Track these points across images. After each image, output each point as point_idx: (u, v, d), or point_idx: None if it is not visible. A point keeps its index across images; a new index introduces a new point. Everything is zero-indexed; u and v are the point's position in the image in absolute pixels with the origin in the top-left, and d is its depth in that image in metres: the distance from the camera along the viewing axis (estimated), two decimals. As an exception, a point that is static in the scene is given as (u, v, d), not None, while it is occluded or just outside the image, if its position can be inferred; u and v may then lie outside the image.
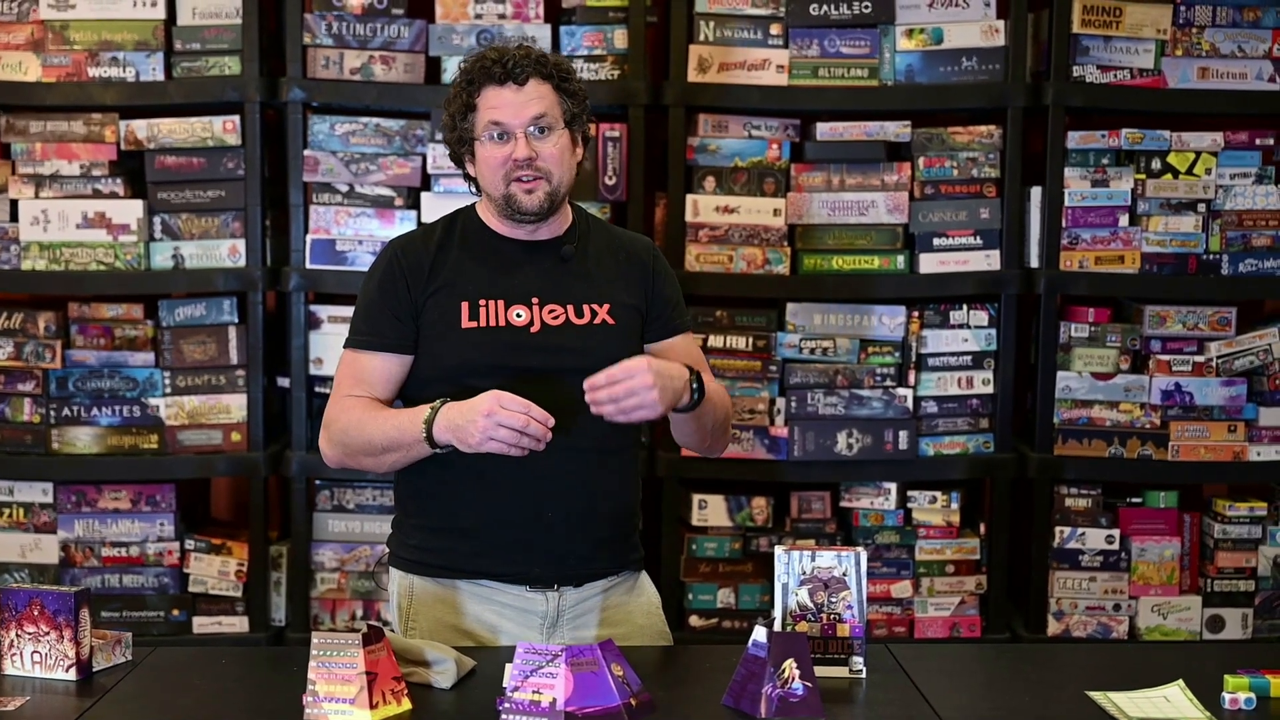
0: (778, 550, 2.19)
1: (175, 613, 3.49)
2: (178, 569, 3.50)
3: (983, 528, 3.54)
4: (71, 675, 2.14)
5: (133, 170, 3.49)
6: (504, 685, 1.99)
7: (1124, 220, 3.46)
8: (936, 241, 3.48)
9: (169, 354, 3.47)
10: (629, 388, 2.22)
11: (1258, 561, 3.49)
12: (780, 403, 3.48)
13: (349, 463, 2.44)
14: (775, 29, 3.46)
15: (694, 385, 2.32)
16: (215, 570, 3.50)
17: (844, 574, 2.18)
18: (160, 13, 3.42)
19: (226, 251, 3.46)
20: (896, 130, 3.47)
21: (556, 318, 2.41)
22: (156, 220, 3.46)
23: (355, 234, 3.45)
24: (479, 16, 3.44)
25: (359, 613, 3.52)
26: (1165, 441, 3.47)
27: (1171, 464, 3.47)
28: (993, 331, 3.49)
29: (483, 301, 2.41)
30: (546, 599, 2.42)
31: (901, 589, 3.50)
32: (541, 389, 2.32)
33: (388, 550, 2.55)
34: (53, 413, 3.46)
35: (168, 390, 3.47)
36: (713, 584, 3.51)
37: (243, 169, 3.44)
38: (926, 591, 3.51)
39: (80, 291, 3.47)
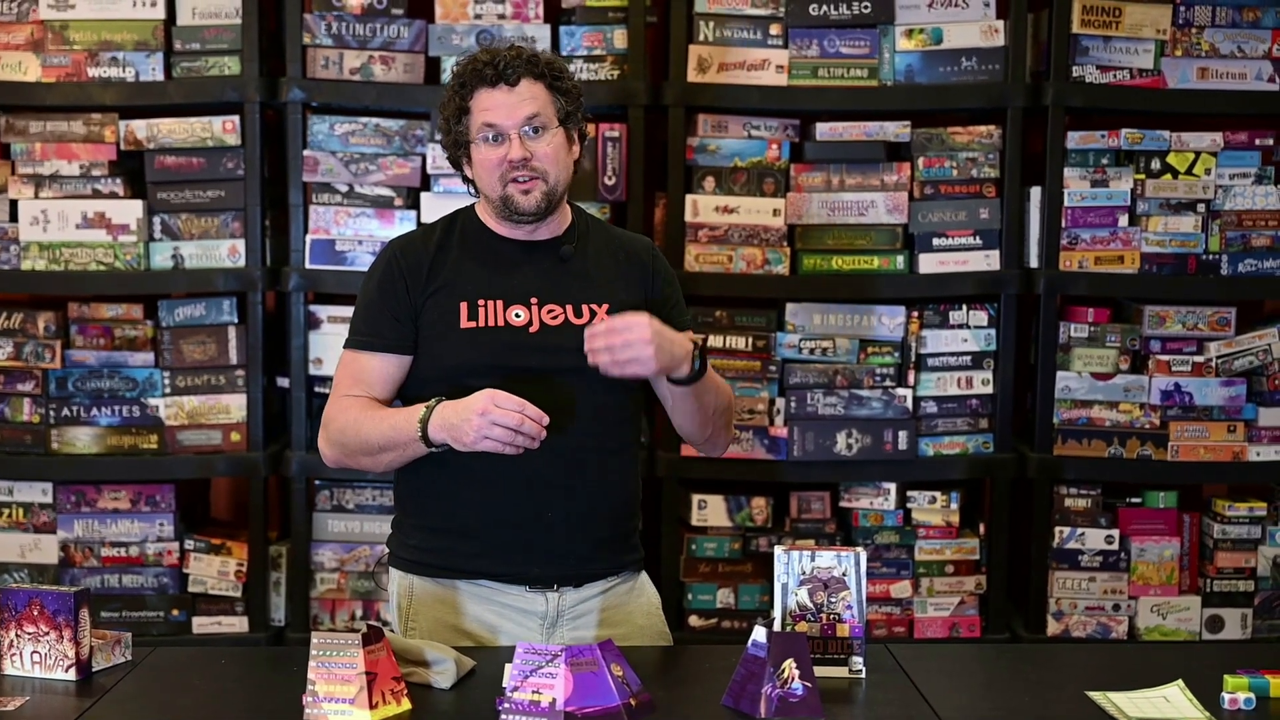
0: (777, 550, 2.19)
1: (175, 613, 3.49)
2: (177, 569, 3.50)
3: (982, 528, 3.54)
4: (71, 675, 2.14)
5: (132, 170, 3.49)
6: (504, 685, 1.99)
7: (1123, 220, 3.46)
8: (936, 241, 3.48)
9: (169, 354, 3.47)
10: (626, 339, 2.22)
11: (1257, 562, 3.50)
12: (780, 403, 3.48)
13: (347, 462, 2.44)
14: (775, 29, 3.46)
15: (696, 357, 2.31)
16: (215, 570, 3.50)
17: (843, 574, 2.18)
18: (160, 13, 3.42)
19: (226, 251, 3.46)
20: (896, 130, 3.47)
21: (555, 318, 2.41)
22: (156, 220, 3.46)
23: (355, 234, 3.45)
24: (478, 17, 3.44)
25: (358, 613, 3.52)
26: (1165, 442, 3.47)
27: (1171, 464, 3.47)
28: (992, 332, 3.49)
29: (481, 301, 2.41)
30: (546, 599, 2.42)
31: (901, 589, 3.50)
32: (540, 389, 2.32)
33: (387, 550, 2.55)
34: (52, 413, 3.46)
35: (167, 390, 3.47)
36: (712, 584, 3.51)
37: (242, 169, 3.44)
38: (926, 591, 3.51)
39: (80, 291, 3.47)
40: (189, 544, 3.50)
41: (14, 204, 3.45)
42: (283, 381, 3.56)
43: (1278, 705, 2.08)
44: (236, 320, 3.48)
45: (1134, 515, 3.51)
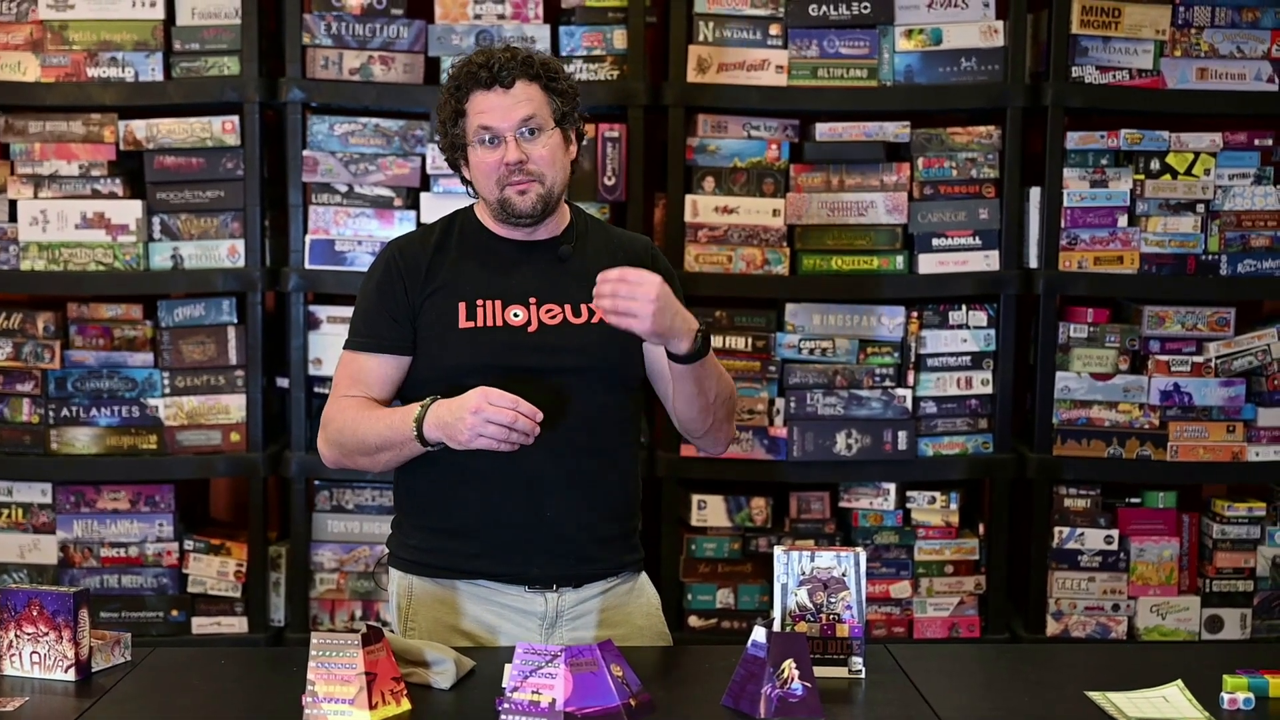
0: (777, 550, 2.19)
1: (174, 613, 3.49)
2: (177, 569, 3.49)
3: (982, 528, 3.54)
4: (70, 676, 2.14)
5: (132, 170, 3.49)
6: (503, 685, 1.99)
7: (1123, 221, 3.46)
8: (935, 242, 3.48)
9: (168, 354, 3.47)
10: (631, 290, 2.20)
11: (1256, 562, 3.50)
12: (779, 403, 3.48)
13: (346, 463, 2.44)
14: (774, 29, 3.46)
15: (699, 336, 2.29)
16: (214, 571, 3.50)
17: (843, 574, 2.18)
18: (159, 13, 3.42)
19: (226, 252, 3.46)
20: (895, 131, 3.47)
21: (554, 317, 2.41)
22: (155, 220, 3.46)
23: (354, 234, 3.45)
24: (478, 17, 3.44)
25: (358, 613, 3.52)
26: (1164, 442, 3.47)
27: (1170, 464, 3.47)
28: (992, 332, 3.49)
29: (480, 302, 2.41)
30: (545, 600, 2.42)
31: (900, 589, 3.50)
32: (539, 389, 2.32)
33: (387, 551, 2.55)
34: (51, 413, 3.46)
35: (167, 390, 3.47)
36: (712, 584, 3.51)
37: (242, 169, 3.44)
38: (925, 592, 3.51)
39: (79, 292, 3.47)
40: (188, 544, 3.50)
41: (13, 204, 3.45)
42: (282, 382, 3.56)
43: (1277, 705, 2.08)
44: (236, 320, 3.48)
45: (1133, 515, 3.51)
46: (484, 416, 2.20)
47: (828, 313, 3.49)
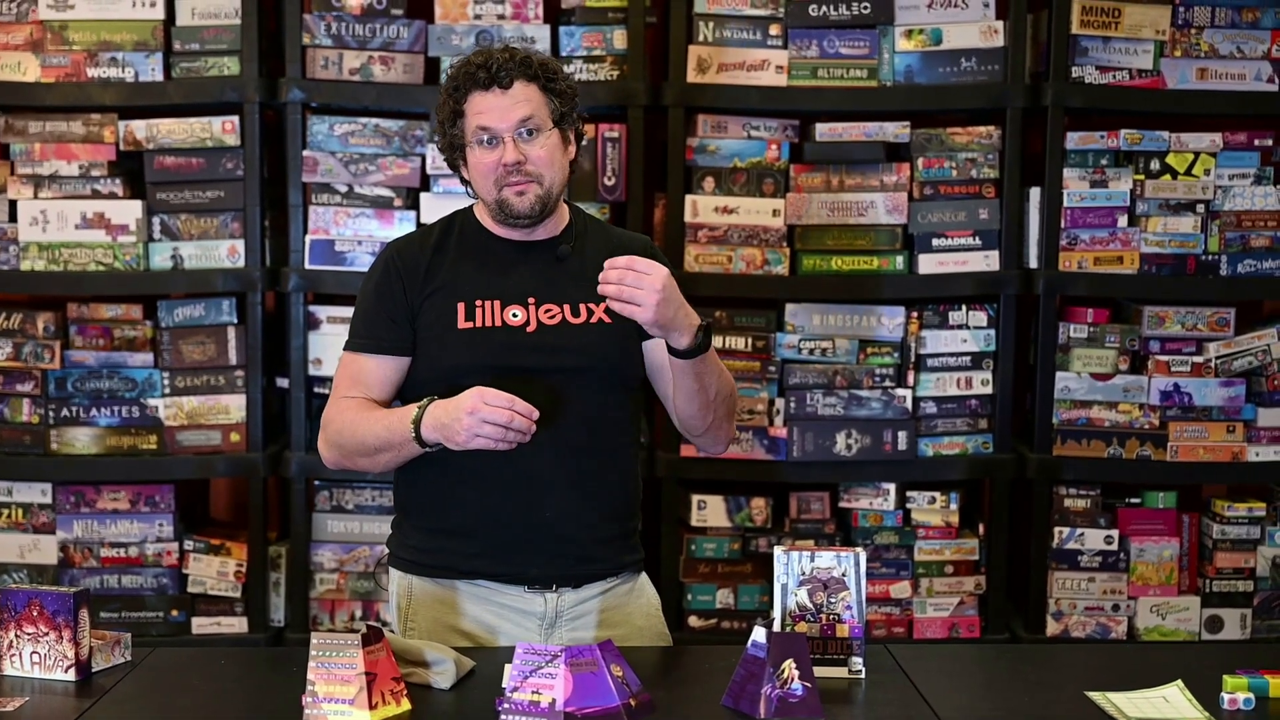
0: (777, 551, 2.19)
1: (174, 613, 3.49)
2: (177, 569, 3.50)
3: (981, 528, 3.54)
4: (71, 676, 2.14)
5: (132, 171, 3.49)
6: (503, 686, 1.99)
7: (1123, 221, 3.46)
8: (935, 242, 3.48)
9: (168, 354, 3.47)
10: (638, 279, 2.20)
11: (1256, 562, 3.50)
12: (779, 403, 3.48)
13: (346, 464, 2.45)
14: (774, 30, 3.46)
15: (700, 331, 2.29)
16: (214, 571, 3.50)
17: (843, 574, 2.18)
18: (159, 13, 3.42)
19: (225, 252, 3.46)
20: (895, 131, 3.47)
21: (553, 317, 2.41)
22: (155, 221, 3.46)
23: (354, 234, 3.45)
24: (478, 17, 3.44)
25: (358, 613, 3.52)
26: (1164, 442, 3.47)
27: (1170, 464, 3.47)
28: (992, 332, 3.49)
29: (479, 302, 2.41)
30: (545, 600, 2.42)
31: (900, 589, 3.50)
32: (538, 389, 2.32)
33: (387, 551, 2.55)
34: (51, 413, 3.46)
35: (167, 391, 3.47)
36: (712, 584, 3.51)
37: (242, 169, 3.44)
38: (925, 592, 3.51)
39: (79, 292, 3.47)
40: (188, 544, 3.50)
41: (13, 204, 3.45)
42: (282, 382, 3.56)
43: (1277, 705, 2.08)
44: (236, 321, 3.48)
45: (1133, 515, 3.51)
46: (480, 417, 2.20)
47: (828, 313, 3.49)
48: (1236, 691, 2.08)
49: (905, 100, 3.47)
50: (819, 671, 2.06)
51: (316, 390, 3.47)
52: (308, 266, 3.44)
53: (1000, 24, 3.45)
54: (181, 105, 3.45)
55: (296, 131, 3.43)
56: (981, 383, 3.51)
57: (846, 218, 3.48)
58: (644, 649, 2.39)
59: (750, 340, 3.48)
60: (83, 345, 3.48)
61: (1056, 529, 3.49)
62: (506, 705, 1.95)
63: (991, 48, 3.45)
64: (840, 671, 2.17)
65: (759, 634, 2.02)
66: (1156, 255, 3.47)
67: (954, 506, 3.52)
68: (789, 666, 1.99)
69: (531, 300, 2.42)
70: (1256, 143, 3.46)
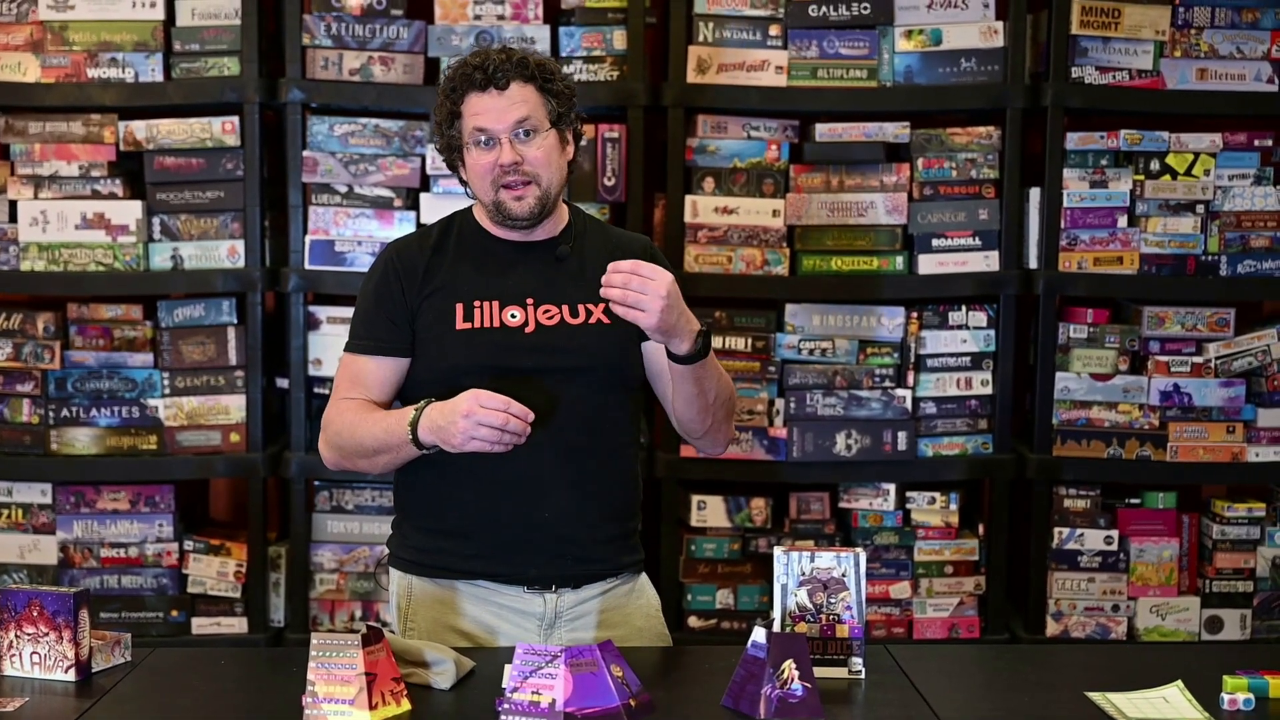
0: (777, 551, 2.19)
1: (174, 614, 3.49)
2: (176, 570, 3.50)
3: (981, 528, 3.54)
4: (71, 676, 2.14)
5: (132, 171, 3.49)
6: (503, 686, 1.99)
7: (1123, 221, 3.46)
8: (935, 242, 3.48)
9: (168, 355, 3.47)
10: (643, 284, 2.19)
11: (1256, 562, 3.50)
12: (779, 404, 3.48)
13: (346, 465, 2.45)
14: (774, 30, 3.46)
15: (700, 337, 2.29)
16: (214, 571, 3.50)
17: (843, 575, 2.18)
18: (159, 13, 3.42)
19: (225, 252, 3.46)
20: (895, 131, 3.47)
21: (551, 318, 2.41)
22: (155, 221, 3.46)
23: (354, 235, 3.45)
24: (478, 17, 3.44)
25: (358, 614, 3.52)
26: (1164, 442, 3.47)
27: (1170, 465, 3.47)
28: (991, 332, 3.50)
29: (477, 303, 2.41)
30: (544, 600, 2.42)
31: (900, 590, 3.50)
32: (537, 389, 2.32)
33: (387, 551, 2.55)
34: (51, 413, 3.46)
35: (167, 391, 3.47)
36: (711, 585, 3.51)
37: (242, 170, 3.44)
38: (925, 592, 3.51)
39: (79, 292, 3.47)
40: (188, 545, 3.50)
41: (13, 205, 3.45)
42: (282, 382, 3.56)
43: (1277, 706, 2.08)
44: (236, 321, 3.48)
45: (1133, 516, 3.51)
46: (475, 420, 2.20)
47: (827, 313, 3.49)
48: (1236, 692, 2.08)
49: (905, 100, 3.47)
50: (819, 672, 2.06)
51: (316, 390, 3.47)
52: (308, 267, 3.44)
53: (1000, 24, 3.45)
54: (181, 106, 3.45)
55: (296, 132, 3.43)
56: (981, 383, 3.51)
57: (846, 218, 3.48)
58: (644, 649, 2.39)
59: (750, 340, 3.48)
60: (83, 345, 3.48)
61: (1056, 529, 3.49)
62: (506, 705, 1.95)
63: (991, 48, 3.45)
64: (840, 672, 2.17)
65: (759, 634, 2.02)
66: (1156, 255, 3.47)
67: (954, 507, 3.52)
68: (789, 667, 1.99)
69: (530, 301, 2.42)
70: (1256, 143, 3.47)
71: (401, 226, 3.42)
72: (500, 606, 2.42)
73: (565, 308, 2.42)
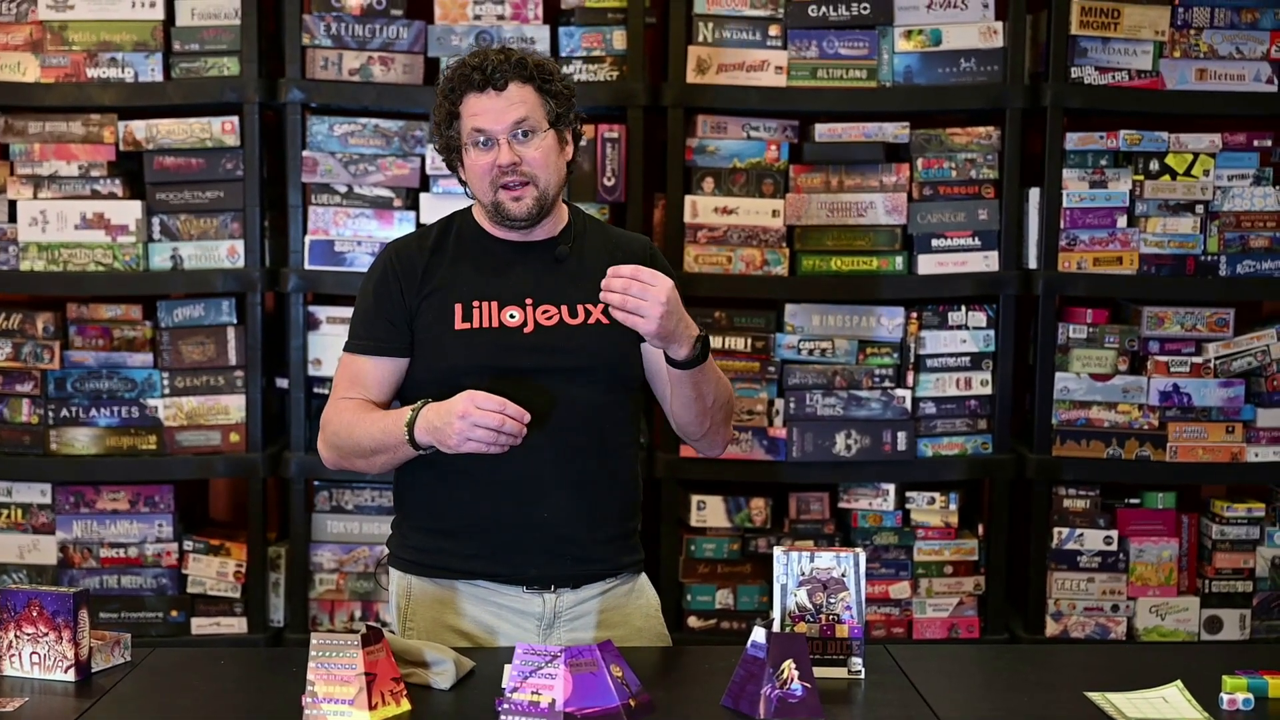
0: (776, 551, 2.19)
1: (174, 614, 3.49)
2: (176, 570, 3.50)
3: (981, 529, 3.54)
4: (70, 676, 2.14)
5: (131, 171, 3.49)
6: (503, 686, 1.99)
7: (1122, 221, 3.47)
8: (935, 242, 3.48)
9: (168, 355, 3.47)
10: (643, 290, 2.19)
11: (1256, 562, 3.50)
12: (779, 404, 3.48)
13: (344, 464, 2.45)
14: (774, 30, 3.46)
15: (699, 342, 2.29)
16: (214, 571, 3.50)
17: (842, 575, 2.18)
18: (159, 13, 3.42)
19: (225, 252, 3.46)
20: (895, 131, 3.47)
21: (550, 318, 2.41)
22: (155, 221, 3.46)
23: (354, 235, 3.45)
24: (478, 18, 3.44)
25: (357, 614, 3.52)
26: (1163, 442, 3.47)
27: (1169, 465, 3.47)
28: (991, 333, 3.50)
29: (476, 303, 2.41)
30: (543, 600, 2.42)
31: (900, 590, 3.50)
32: (536, 390, 2.32)
33: (387, 551, 2.55)
34: (51, 413, 3.46)
35: (166, 391, 3.47)
36: (711, 585, 3.51)
37: (241, 170, 3.44)
38: (925, 592, 3.51)
39: (79, 292, 3.47)
40: (188, 545, 3.50)
41: (13, 204, 3.45)
42: (282, 382, 3.56)
43: (1276, 706, 2.08)
44: (235, 321, 3.48)
45: (1132, 516, 3.51)
46: (471, 421, 2.20)
47: (827, 313, 3.50)
48: (1236, 692, 2.08)
49: (905, 101, 3.47)
50: (818, 672, 2.06)
51: (316, 391, 3.47)
52: (307, 267, 3.44)
53: (999, 25, 3.45)
54: (181, 106, 3.45)
55: (296, 132, 3.43)
56: (981, 383, 3.51)
57: (846, 218, 3.48)
58: (643, 649, 2.39)
59: (750, 341, 3.49)
60: (82, 345, 3.48)
61: (1056, 529, 3.49)
62: (506, 705, 1.95)
63: (991, 48, 3.45)
64: (840, 672, 2.17)
65: (758, 634, 2.02)
66: (1156, 256, 3.47)
67: (953, 507, 3.52)
68: (788, 667, 2.00)
69: (529, 301, 2.42)
70: (1256, 143, 3.47)
71: (401, 226, 3.42)
72: (500, 606, 2.42)
73: (564, 308, 2.42)
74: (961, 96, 3.47)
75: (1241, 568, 3.50)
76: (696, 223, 3.47)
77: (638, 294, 2.19)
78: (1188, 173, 3.45)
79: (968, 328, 3.51)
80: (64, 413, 3.46)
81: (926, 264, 3.48)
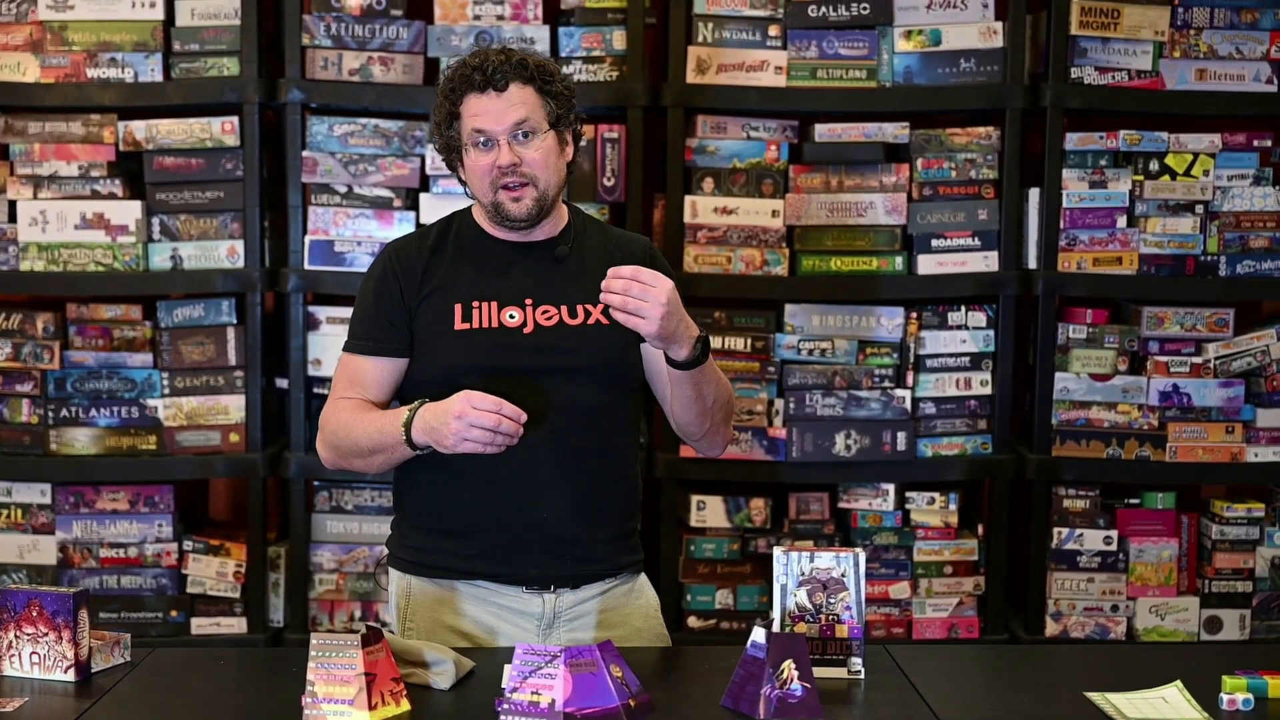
0: (776, 551, 2.19)
1: (174, 614, 3.49)
2: (176, 570, 3.50)
3: (981, 529, 3.54)
4: (70, 676, 2.14)
5: (131, 171, 3.49)
6: (503, 686, 1.99)
7: (1122, 221, 3.47)
8: (935, 243, 3.48)
9: (167, 355, 3.47)
10: (644, 291, 2.19)
11: (1255, 563, 3.50)
12: (779, 404, 3.48)
13: (343, 464, 2.45)
14: (774, 30, 3.46)
15: (699, 343, 2.29)
16: (214, 571, 3.50)
17: (842, 575, 2.18)
18: (159, 14, 3.42)
19: (225, 252, 3.46)
20: (895, 131, 3.47)
21: (550, 318, 2.41)
22: (155, 221, 3.46)
23: (354, 235, 3.45)
24: (478, 18, 3.44)
25: (357, 614, 3.52)
26: (1163, 442, 3.47)
27: (1169, 465, 3.47)
28: (991, 333, 3.50)
29: (476, 303, 2.41)
30: (543, 601, 2.42)
31: (900, 590, 3.50)
32: (535, 390, 2.32)
33: (386, 551, 2.55)
34: (51, 414, 3.46)
35: (166, 391, 3.47)
36: (711, 585, 3.51)
37: (241, 170, 3.44)
38: (925, 592, 3.51)
39: (78, 292, 3.47)
40: (188, 545, 3.50)
41: (12, 205, 3.45)
42: (281, 382, 3.56)
43: (1276, 706, 2.08)
44: (235, 321, 3.48)
45: (1132, 516, 3.51)
46: (467, 421, 2.20)
47: (827, 313, 3.50)
48: (1235, 692, 2.08)
49: (904, 101, 3.47)
50: (818, 672, 2.06)
51: (316, 391, 3.47)
52: (307, 267, 3.44)
53: (999, 25, 3.45)
54: (181, 106, 3.45)
55: (296, 132, 3.43)
56: (980, 383, 3.51)
57: (846, 218, 3.48)
58: (643, 649, 2.39)
59: (749, 341, 3.49)
60: (82, 346, 3.48)
61: (1055, 529, 3.49)
62: (506, 706, 1.95)
63: (990, 48, 3.45)
64: (839, 672, 2.17)
65: (758, 634, 2.02)
66: (1155, 256, 3.47)
67: (953, 507, 3.52)
68: (788, 667, 2.00)
69: (529, 301, 2.42)
70: (1255, 143, 3.47)
71: (401, 227, 3.42)
72: (499, 607, 2.42)
73: (564, 308, 2.42)
74: (961, 97, 3.47)
75: (1241, 568, 3.50)
76: (696, 223, 3.47)
77: (638, 295, 2.19)
78: (1187, 173, 3.45)
79: (967, 328, 3.51)
80: (64, 413, 3.46)
81: (926, 264, 3.48)
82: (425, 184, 3.47)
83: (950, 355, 3.51)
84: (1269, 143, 3.47)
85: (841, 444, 3.47)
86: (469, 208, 2.52)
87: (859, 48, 3.46)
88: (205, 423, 3.47)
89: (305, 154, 3.44)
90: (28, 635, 2.15)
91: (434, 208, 3.39)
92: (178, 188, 3.46)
